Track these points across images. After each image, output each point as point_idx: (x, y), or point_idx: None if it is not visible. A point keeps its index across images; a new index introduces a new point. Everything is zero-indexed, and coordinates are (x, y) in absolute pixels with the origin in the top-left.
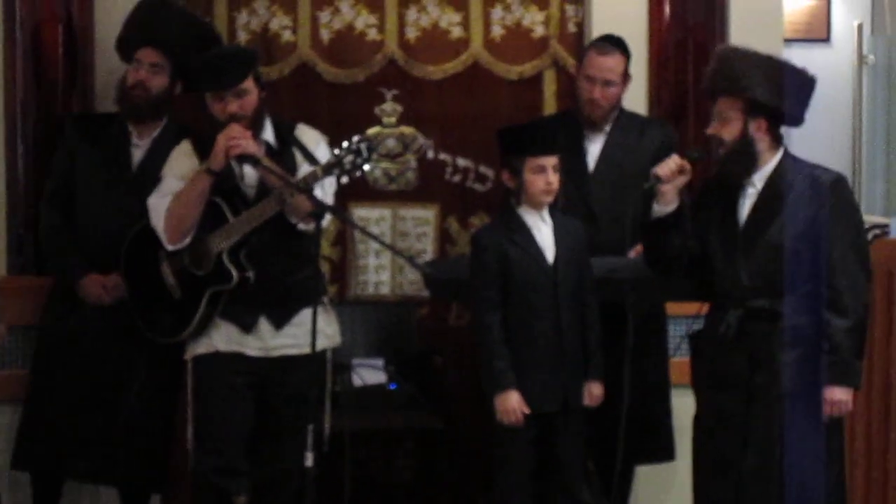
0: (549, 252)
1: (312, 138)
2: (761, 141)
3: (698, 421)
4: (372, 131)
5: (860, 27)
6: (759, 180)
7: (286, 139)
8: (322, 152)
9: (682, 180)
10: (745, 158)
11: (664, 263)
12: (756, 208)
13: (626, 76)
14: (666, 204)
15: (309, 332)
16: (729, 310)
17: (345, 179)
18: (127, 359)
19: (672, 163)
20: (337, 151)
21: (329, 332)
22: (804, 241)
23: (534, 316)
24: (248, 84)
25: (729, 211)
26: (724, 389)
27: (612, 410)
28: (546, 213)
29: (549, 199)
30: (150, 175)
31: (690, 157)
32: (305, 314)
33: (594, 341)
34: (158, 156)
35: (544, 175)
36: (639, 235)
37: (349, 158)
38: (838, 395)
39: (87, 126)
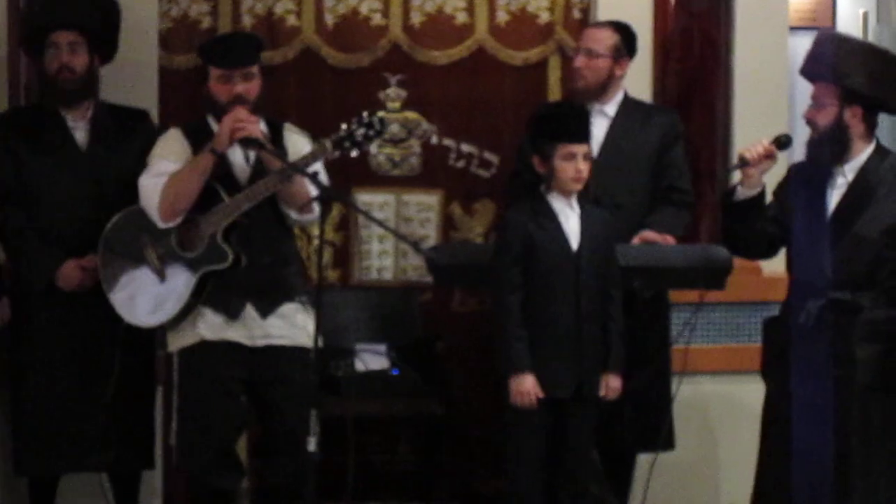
0: (574, 239)
1: (301, 136)
2: (855, 129)
3: (768, 408)
4: None
5: (866, 15)
6: (850, 171)
7: (278, 130)
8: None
9: (768, 164)
10: (837, 145)
11: (743, 246)
12: (845, 199)
13: (617, 53)
14: (750, 187)
15: (293, 325)
16: (809, 299)
17: (354, 153)
18: (102, 344)
19: (760, 146)
20: (345, 126)
21: (310, 330)
22: (892, 235)
23: (554, 301)
24: (256, 69)
25: (816, 199)
26: (799, 378)
27: (615, 399)
28: (574, 201)
29: (579, 186)
30: (100, 153)
31: (779, 141)
32: (289, 308)
33: (616, 333)
34: (102, 132)
35: (574, 162)
36: (647, 222)
37: (361, 131)
38: None
39: (19, 122)
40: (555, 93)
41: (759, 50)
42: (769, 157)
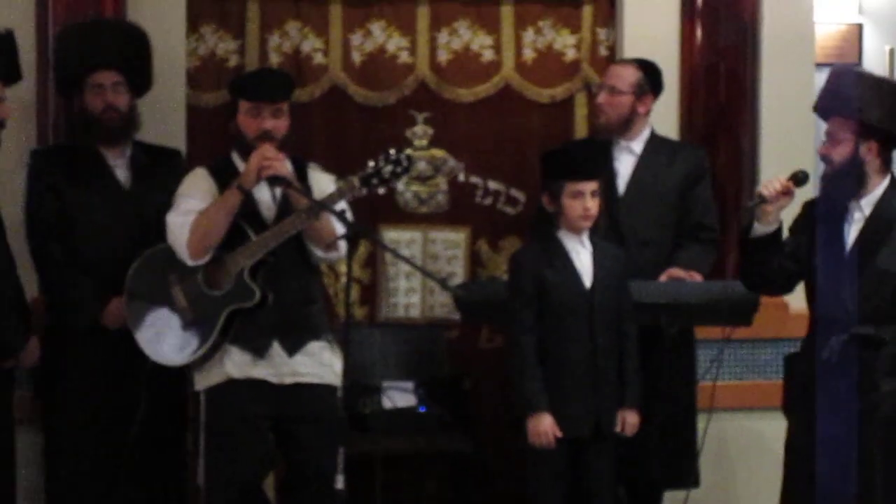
0: (587, 276)
1: (326, 175)
2: (871, 164)
3: (791, 445)
4: None
5: (892, 52)
6: (866, 205)
7: (302, 168)
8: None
9: (785, 201)
10: (853, 180)
11: (761, 282)
12: (864, 233)
13: (639, 90)
14: (768, 224)
15: (319, 363)
16: (832, 334)
17: (382, 190)
18: (131, 383)
19: (777, 183)
20: (372, 163)
21: (337, 368)
22: None
23: (569, 339)
24: (286, 106)
25: (834, 234)
26: (823, 414)
27: (641, 435)
28: (585, 238)
29: (588, 224)
30: (143, 191)
31: (796, 178)
32: (315, 346)
33: (631, 369)
34: (143, 169)
35: (582, 200)
36: (673, 259)
37: (388, 168)
38: None
39: (59, 159)
40: (581, 130)
41: (786, 86)
42: (786, 193)
